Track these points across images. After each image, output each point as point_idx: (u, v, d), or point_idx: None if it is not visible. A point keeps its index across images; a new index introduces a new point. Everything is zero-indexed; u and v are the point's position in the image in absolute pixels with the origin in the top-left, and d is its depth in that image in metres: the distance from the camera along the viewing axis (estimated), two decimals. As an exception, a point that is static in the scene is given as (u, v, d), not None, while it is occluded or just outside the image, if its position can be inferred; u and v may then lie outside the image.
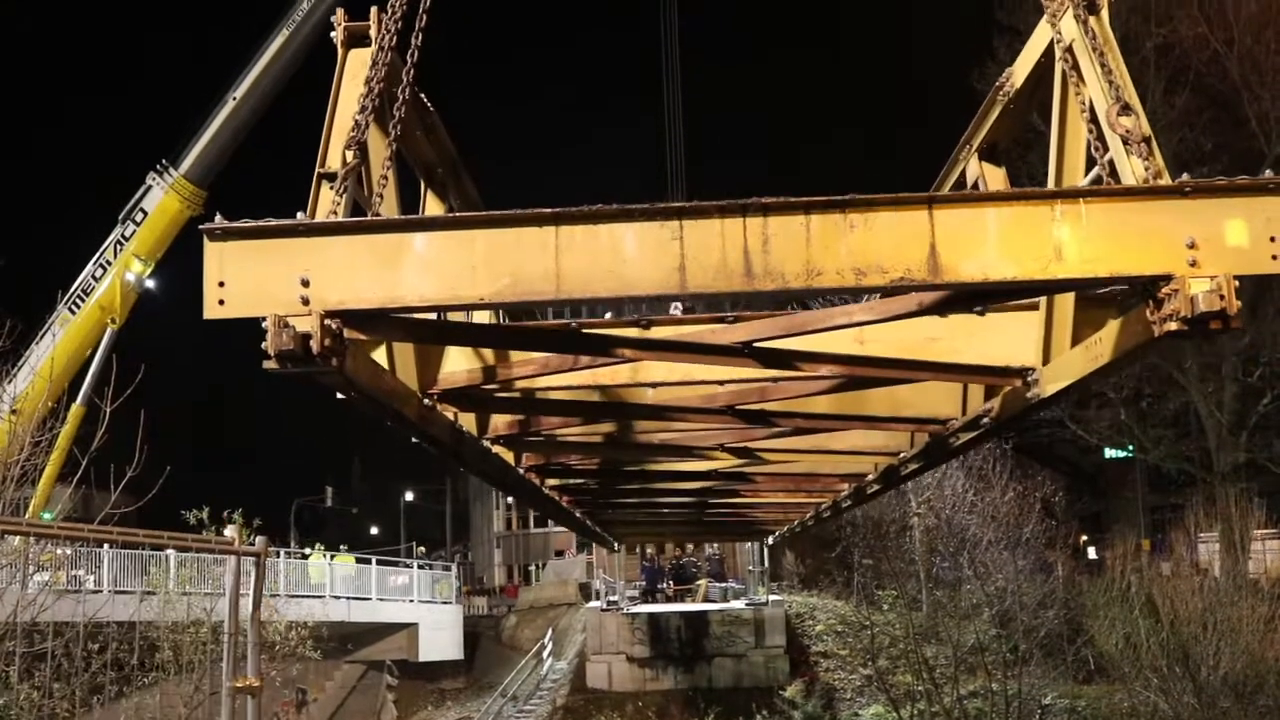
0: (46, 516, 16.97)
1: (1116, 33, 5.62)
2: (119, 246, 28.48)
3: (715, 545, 39.45)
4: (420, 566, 44.57)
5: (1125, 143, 5.10)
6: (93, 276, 28.41)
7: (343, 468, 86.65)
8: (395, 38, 5.52)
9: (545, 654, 40.47)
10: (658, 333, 7.51)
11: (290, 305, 4.63)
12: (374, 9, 5.73)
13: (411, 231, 4.78)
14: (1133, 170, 5.02)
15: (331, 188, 5.18)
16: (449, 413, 7.63)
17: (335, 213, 5.08)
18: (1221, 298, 4.49)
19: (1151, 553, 35.44)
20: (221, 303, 4.68)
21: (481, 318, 7.62)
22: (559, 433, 9.52)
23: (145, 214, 28.37)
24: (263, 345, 4.60)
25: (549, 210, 4.70)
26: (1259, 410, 33.97)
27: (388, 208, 5.60)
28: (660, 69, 34.91)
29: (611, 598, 36.03)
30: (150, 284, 29.31)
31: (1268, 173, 4.77)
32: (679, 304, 8.73)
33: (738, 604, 36.00)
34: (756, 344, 6.58)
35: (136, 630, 14.37)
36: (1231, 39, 32.22)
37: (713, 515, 18.19)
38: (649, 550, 39.67)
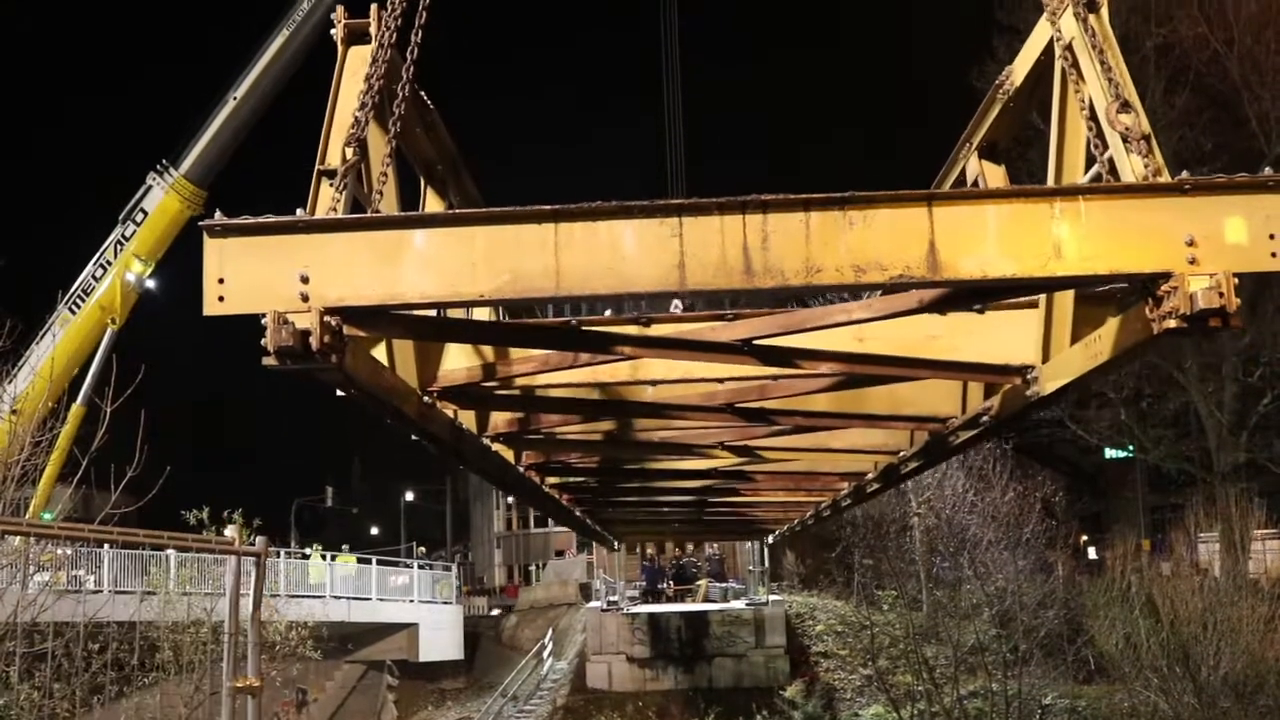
0: (47, 516, 16.97)
1: (1116, 32, 5.63)
2: (119, 246, 28.48)
3: (715, 545, 39.45)
4: (420, 566, 44.57)
5: (1125, 140, 5.10)
6: (93, 276, 28.42)
7: (343, 468, 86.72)
8: (395, 35, 5.52)
9: (545, 654, 40.47)
10: (657, 330, 7.52)
11: (290, 302, 4.63)
12: (374, 6, 5.73)
13: (411, 228, 4.79)
14: (1132, 168, 5.02)
15: (331, 185, 5.18)
16: (449, 410, 7.63)
17: (335, 210, 5.08)
18: (1221, 295, 4.49)
19: (1152, 553, 35.44)
20: (221, 299, 4.68)
21: (481, 315, 7.63)
22: (559, 430, 9.53)
23: (145, 214, 28.38)
24: (262, 342, 4.60)
25: (549, 207, 4.71)
26: (1259, 410, 33.98)
27: (387, 205, 5.60)
28: (660, 69, 34.96)
29: (612, 598, 36.02)
30: (150, 284, 29.33)
31: (1267, 170, 4.78)
32: (679, 302, 8.74)
33: (738, 604, 36.00)
34: (756, 341, 6.59)
35: (137, 630, 14.37)
36: (1231, 39, 32.24)
37: (713, 514, 18.19)
38: (649, 550, 39.67)
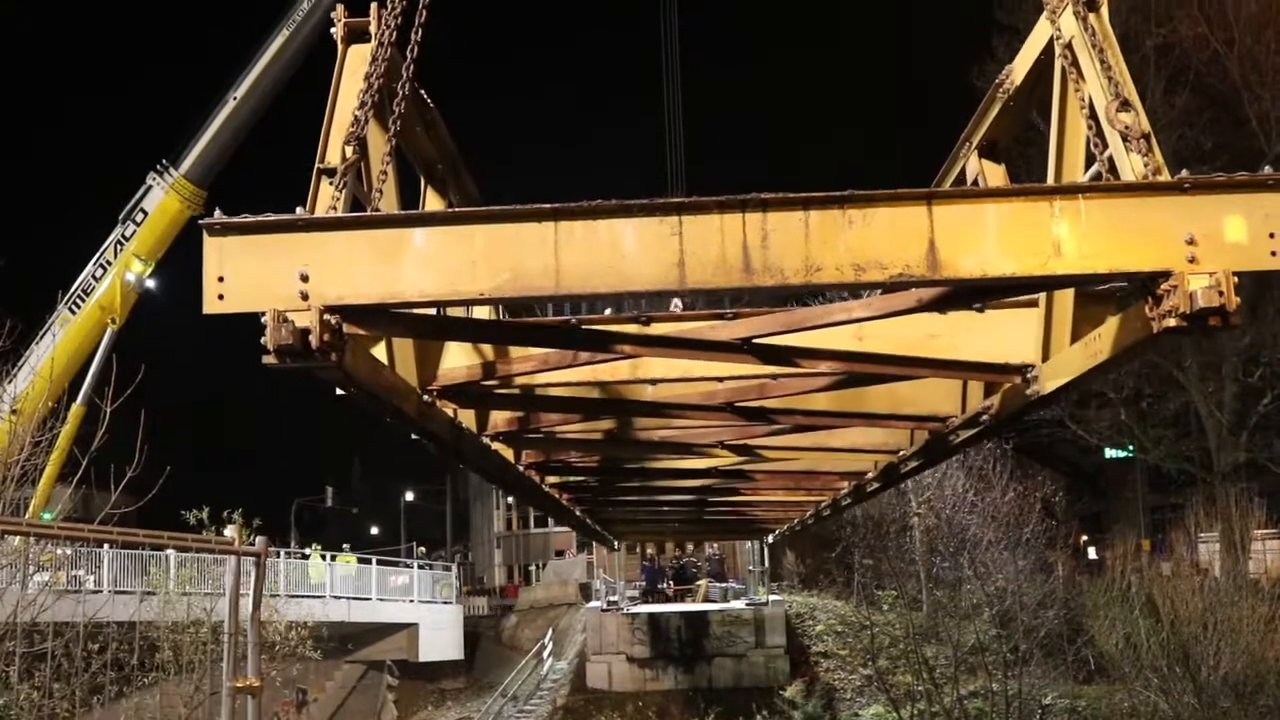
0: (46, 516, 16.96)
1: (1116, 32, 5.62)
2: (119, 246, 28.48)
3: (715, 545, 39.45)
4: (420, 566, 44.57)
5: (1124, 139, 5.10)
6: (93, 276, 28.41)
7: (343, 468, 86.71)
8: (395, 34, 5.52)
9: (545, 654, 40.47)
10: (657, 329, 7.52)
11: (289, 300, 4.64)
12: (374, 5, 5.73)
13: (411, 227, 4.79)
14: (1132, 167, 5.02)
15: (331, 183, 5.18)
16: (448, 409, 7.63)
17: (335, 208, 5.08)
18: (1220, 294, 4.50)
19: (1152, 553, 35.44)
20: (221, 298, 4.69)
21: (481, 314, 7.63)
22: (559, 429, 9.53)
23: (145, 214, 28.38)
24: (262, 340, 4.61)
25: (548, 205, 4.71)
26: (1259, 410, 33.98)
27: (387, 203, 5.60)
28: (660, 69, 34.95)
29: (611, 598, 36.01)
30: (150, 284, 29.33)
31: (1267, 169, 4.77)
32: (679, 301, 8.75)
33: (738, 604, 36.00)
34: (756, 340, 6.59)
35: (136, 630, 14.37)
36: (1231, 39, 32.25)
37: (712, 513, 18.19)
38: (649, 550, 39.66)
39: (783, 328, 6.58)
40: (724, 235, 4.64)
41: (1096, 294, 6.30)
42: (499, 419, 9.05)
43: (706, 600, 37.20)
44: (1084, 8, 5.50)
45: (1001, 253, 4.68)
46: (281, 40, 27.01)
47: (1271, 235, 4.61)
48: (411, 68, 5.65)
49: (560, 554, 55.20)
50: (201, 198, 28.02)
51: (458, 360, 7.49)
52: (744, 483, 13.53)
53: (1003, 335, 7.20)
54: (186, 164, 28.07)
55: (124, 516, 12.15)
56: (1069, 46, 5.61)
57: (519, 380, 7.78)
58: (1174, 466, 39.41)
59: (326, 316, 4.64)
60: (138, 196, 28.46)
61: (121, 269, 28.33)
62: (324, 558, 36.75)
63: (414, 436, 7.69)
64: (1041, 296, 6.67)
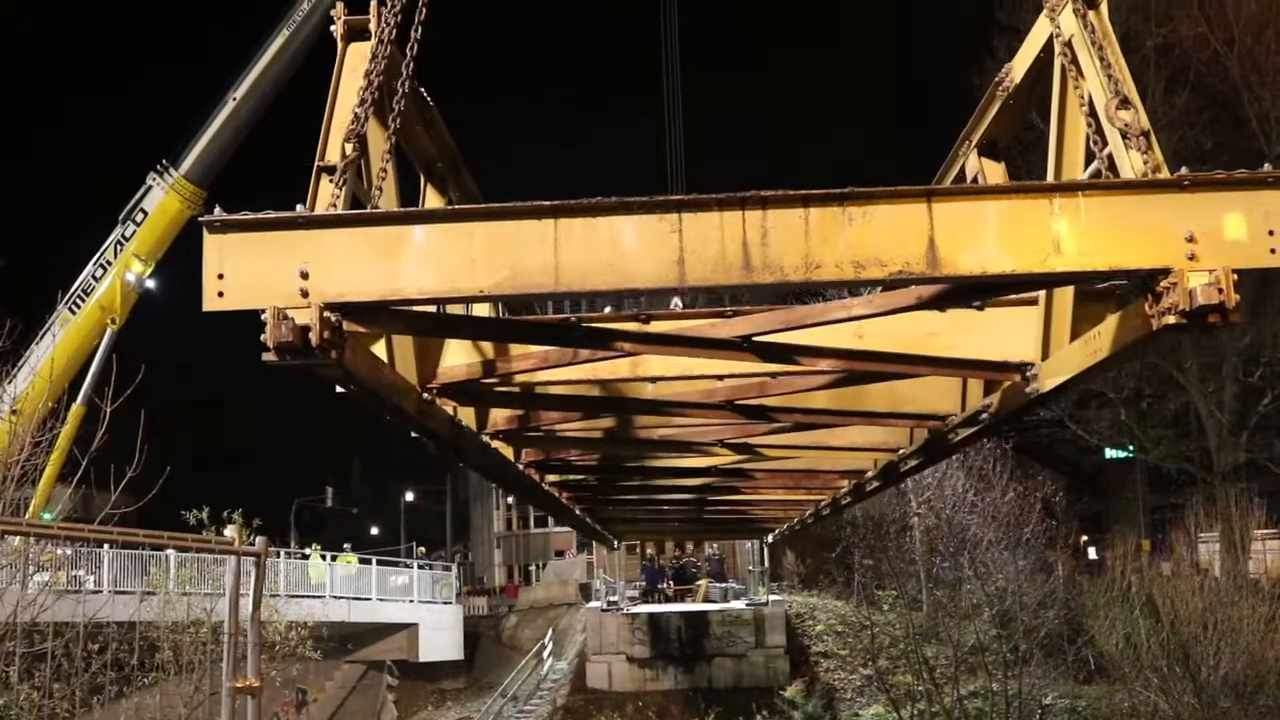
0: (46, 517, 16.96)
1: (1116, 31, 5.62)
2: (119, 246, 28.48)
3: (715, 545, 39.45)
4: (420, 567, 44.55)
5: (1124, 137, 5.10)
6: (93, 276, 28.41)
7: (343, 468, 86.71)
8: (395, 31, 5.52)
9: (545, 654, 40.46)
10: (657, 327, 7.52)
11: (289, 297, 4.64)
12: (374, 3, 5.74)
13: (411, 224, 4.80)
14: (1131, 164, 5.02)
15: (331, 181, 5.18)
16: (448, 407, 7.63)
17: (335, 205, 5.09)
18: (1220, 291, 4.50)
19: (1152, 553, 35.42)
20: (221, 295, 4.69)
21: (481, 312, 7.63)
22: (558, 428, 9.52)
23: (145, 214, 28.37)
24: (262, 338, 4.61)
25: (548, 203, 4.71)
26: (1259, 410, 33.97)
27: (387, 201, 5.60)
28: (660, 69, 34.92)
29: (611, 598, 36.00)
30: (150, 284, 29.32)
31: (1266, 166, 4.78)
32: (678, 300, 8.75)
33: (738, 604, 35.99)
34: (756, 338, 6.59)
35: (136, 630, 14.37)
36: (1232, 39, 32.24)
37: (712, 512, 18.19)
38: (649, 550, 39.66)
39: (782, 325, 6.58)
40: (724, 233, 4.65)
41: (1096, 292, 6.31)
42: (499, 417, 9.05)
43: (706, 600, 37.19)
44: (1084, 5, 5.50)
45: (1001, 250, 4.68)
46: (281, 40, 27.01)
47: (1271, 233, 4.61)
48: (411, 65, 5.66)
49: (560, 554, 55.21)
50: (201, 198, 28.01)
51: (457, 358, 7.49)
52: (744, 481, 13.53)
53: (1002, 333, 7.20)
54: (186, 164, 28.07)
55: (124, 516, 12.15)
56: (1069, 44, 5.61)
57: (519, 378, 7.79)
58: (1174, 466, 39.39)
59: (326, 314, 4.65)
60: (138, 196, 28.46)
61: (121, 269, 28.32)
62: (324, 558, 36.75)
63: (414, 435, 7.69)
64: (1041, 295, 6.67)
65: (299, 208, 4.89)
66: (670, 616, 35.43)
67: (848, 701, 32.77)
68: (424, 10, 5.60)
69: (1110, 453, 45.14)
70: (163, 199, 28.21)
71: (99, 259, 28.45)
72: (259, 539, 5.86)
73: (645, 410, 9.22)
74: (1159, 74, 31.76)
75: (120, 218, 28.53)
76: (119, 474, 12.51)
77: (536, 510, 55.62)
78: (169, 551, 22.03)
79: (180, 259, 28.94)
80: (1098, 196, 4.71)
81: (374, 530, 75.40)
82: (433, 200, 7.13)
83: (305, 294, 4.64)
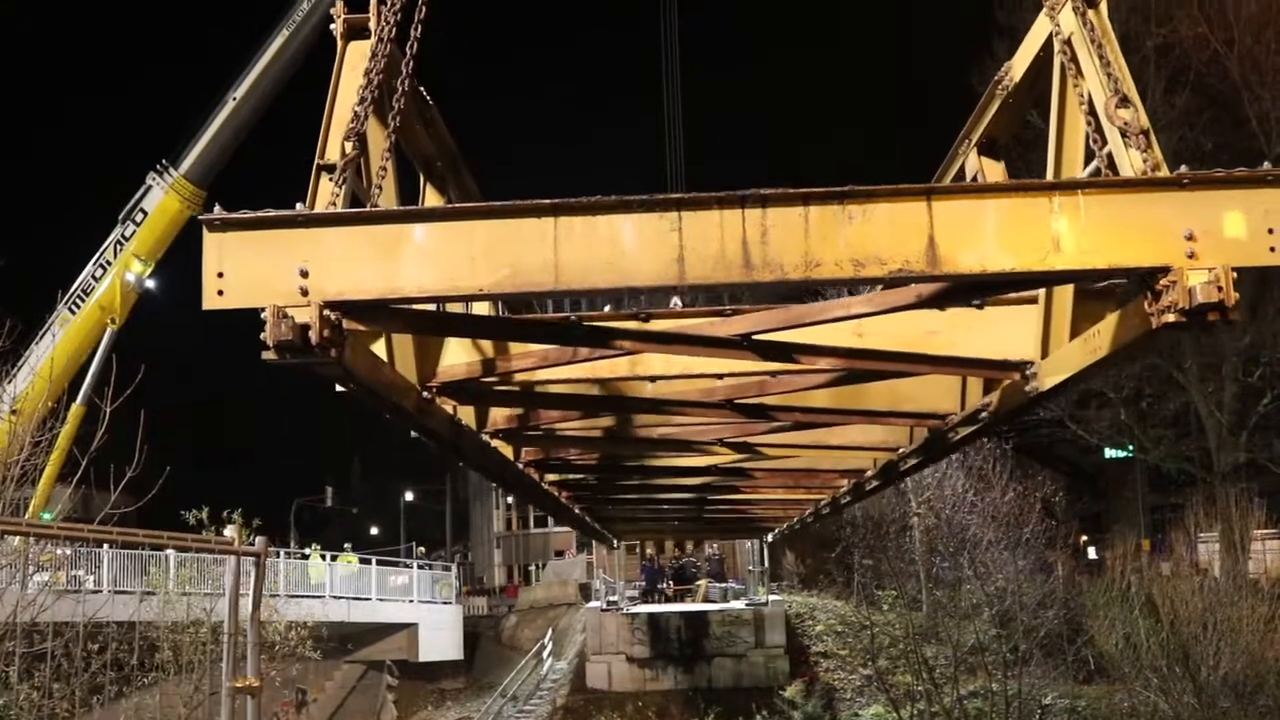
0: (46, 517, 16.97)
1: (1116, 31, 5.62)
2: (119, 246, 28.48)
3: (715, 545, 39.46)
4: (420, 566, 44.56)
5: (1123, 135, 5.09)
6: (93, 276, 28.41)
7: (343, 468, 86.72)
8: (395, 29, 5.52)
9: (545, 654, 40.47)
10: (656, 325, 7.52)
11: (289, 296, 4.64)
12: (373, 1, 5.74)
13: (411, 222, 4.80)
14: (1131, 163, 5.02)
15: (330, 179, 5.18)
16: (448, 406, 7.63)
17: (334, 204, 5.08)
18: (1219, 289, 4.49)
19: (1151, 553, 35.45)
20: (220, 293, 4.69)
21: (480, 310, 7.62)
22: (558, 427, 9.52)
23: (145, 214, 28.38)
24: (262, 336, 4.61)
25: (548, 201, 4.71)
26: (1259, 410, 33.98)
27: (386, 200, 5.60)
28: (660, 69, 34.91)
29: (611, 598, 36.01)
30: (150, 284, 29.33)
31: (1265, 165, 4.78)
32: (678, 299, 8.76)
33: (738, 604, 35.99)
34: (755, 336, 6.59)
35: (136, 630, 14.38)
36: (1232, 39, 32.25)
37: (712, 512, 18.19)
38: (649, 550, 39.66)
39: (782, 323, 6.57)
40: (724, 231, 4.64)
41: (1095, 291, 6.31)
42: (498, 416, 9.05)
43: (706, 600, 37.20)
44: (1083, 4, 5.50)
45: (1001, 248, 4.68)
46: (281, 40, 27.02)
47: (1270, 231, 4.61)
48: (411, 64, 5.66)
49: (560, 554, 55.23)
50: (201, 198, 28.00)
51: (457, 357, 7.49)
52: (743, 481, 13.53)
53: (1002, 332, 7.20)
54: (186, 164, 28.07)
55: (124, 516, 12.15)
56: (1068, 43, 5.61)
57: (518, 377, 7.79)
58: (1174, 466, 39.41)
59: (326, 312, 4.64)
60: (137, 196, 28.46)
61: (121, 269, 28.33)
62: (324, 558, 36.75)
63: (414, 433, 7.69)
64: (1041, 293, 6.66)
65: (299, 206, 4.89)
66: (670, 616, 35.44)
67: (847, 701, 32.78)
68: (424, 9, 5.60)
69: (1110, 453, 45.17)
70: (162, 199, 28.21)
71: (99, 259, 28.46)
72: (259, 539, 5.86)
73: (645, 409, 9.22)
74: (1159, 74, 31.77)
75: (120, 218, 28.54)
76: (119, 474, 12.52)
77: (536, 510, 55.64)
78: (169, 551, 22.02)
79: (180, 259, 29.00)
80: (1097, 195, 4.71)
81: (374, 530, 75.43)
82: (432, 199, 7.13)
83: (305, 292, 4.64)
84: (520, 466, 10.77)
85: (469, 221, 4.77)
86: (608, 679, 35.17)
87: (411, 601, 41.10)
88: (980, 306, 7.35)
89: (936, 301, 6.26)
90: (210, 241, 4.70)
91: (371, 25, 5.66)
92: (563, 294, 4.97)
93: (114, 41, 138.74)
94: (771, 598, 36.05)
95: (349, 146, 5.22)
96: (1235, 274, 4.54)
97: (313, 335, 4.59)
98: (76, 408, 23.53)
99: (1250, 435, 34.44)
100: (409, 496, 70.41)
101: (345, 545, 41.46)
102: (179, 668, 15.32)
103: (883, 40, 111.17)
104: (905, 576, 33.62)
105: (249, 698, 5.48)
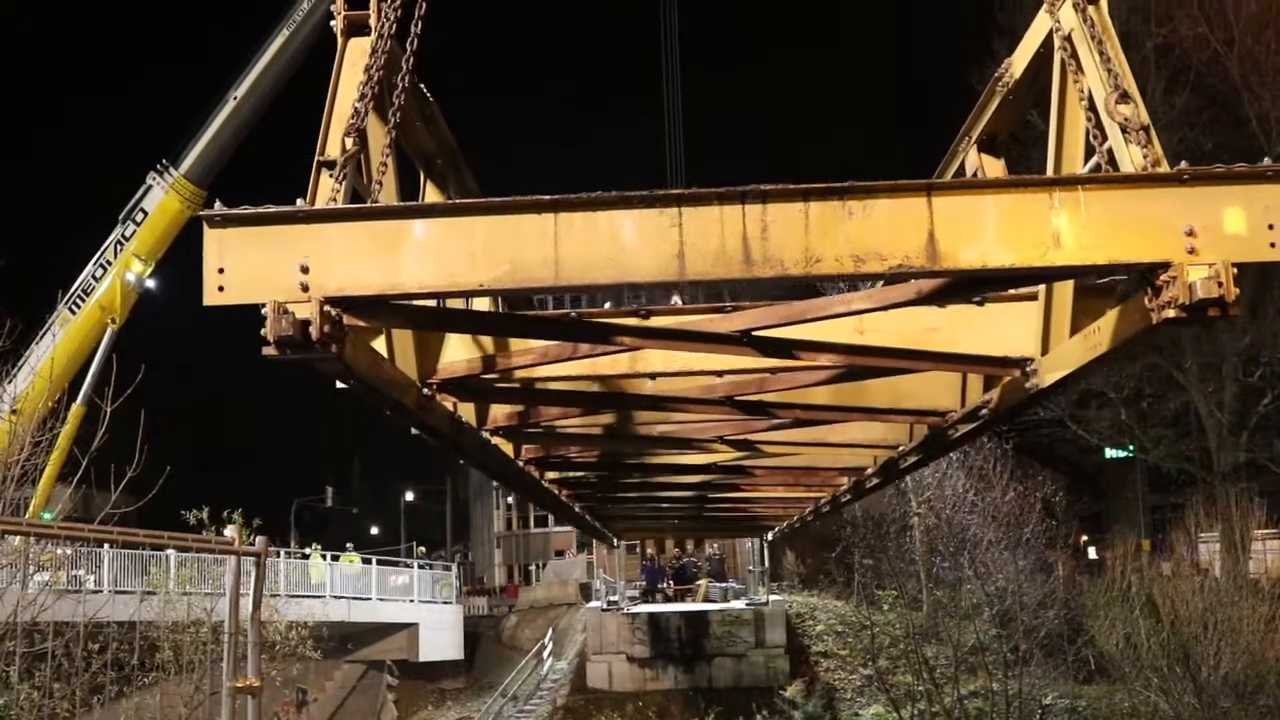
0: (47, 516, 16.96)
1: (1116, 30, 5.62)
2: (119, 246, 28.45)
3: (715, 545, 39.45)
4: (420, 566, 44.54)
5: (1124, 131, 5.10)
6: (93, 276, 28.38)
7: (343, 468, 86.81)
8: (395, 26, 5.53)
9: (545, 654, 40.45)
10: (657, 322, 7.52)
11: (290, 292, 4.65)
12: (374, -2, 5.74)
13: (411, 218, 4.81)
14: (1131, 158, 5.03)
15: (331, 175, 5.19)
16: (448, 403, 7.63)
17: (335, 200, 5.09)
18: (1220, 285, 4.50)
19: (1152, 553, 35.43)
20: (221, 289, 4.70)
21: (481, 306, 7.62)
22: (558, 424, 9.53)
23: (145, 214, 28.34)
24: (262, 332, 4.61)
25: (548, 197, 4.72)
26: (1259, 410, 33.95)
27: (387, 196, 5.60)
28: (660, 69, 34.93)
29: (612, 597, 35.98)
30: (150, 284, 29.30)
31: (1266, 160, 4.78)
32: (678, 297, 8.77)
33: (738, 604, 35.96)
34: (755, 332, 6.59)
35: (137, 630, 14.34)
36: (1232, 39, 32.22)
37: (712, 510, 18.19)
38: (649, 550, 39.65)
39: (782, 320, 6.57)
40: (724, 227, 4.65)
41: (1096, 287, 6.31)
42: (499, 413, 9.05)
43: (706, 600, 37.16)
44: (1084, 0, 5.51)
45: (1001, 244, 4.69)
46: (282, 40, 27.00)
47: (1271, 227, 4.62)
48: (411, 60, 5.66)
49: (560, 554, 55.24)
50: (201, 197, 27.95)
51: (457, 354, 7.49)
52: (743, 478, 13.54)
53: (1002, 329, 7.21)
54: (186, 164, 28.04)
55: (124, 516, 12.14)
56: (1068, 39, 5.61)
57: (519, 374, 7.79)
58: (1174, 466, 39.38)
59: (327, 308, 4.65)
60: (138, 196, 28.43)
61: (121, 269, 28.30)
62: (324, 557, 36.74)
63: (414, 431, 7.70)
64: (1041, 290, 6.67)
65: (299, 202, 4.90)
66: (670, 616, 35.41)
67: (848, 701, 32.75)
68: (423, 5, 5.61)
69: (1110, 452, 45.14)
70: (163, 199, 28.18)
71: (99, 259, 28.43)
72: (259, 539, 5.85)
73: (645, 406, 9.23)
74: (1159, 74, 31.74)
75: (120, 217, 28.51)
76: (119, 474, 12.49)
77: (537, 510, 55.68)
78: (169, 551, 22.02)
79: (180, 259, 28.97)
80: (1097, 190, 4.71)
81: (374, 530, 75.44)
82: (433, 197, 7.13)
83: (305, 288, 4.65)
84: (520, 464, 10.78)
85: (469, 217, 4.78)
86: (608, 679, 35.15)
87: (412, 601, 41.08)
88: (980, 303, 7.35)
89: (937, 298, 6.26)
90: (211, 237, 4.71)
91: (372, 22, 5.66)
92: (563, 290, 4.97)
93: (114, 41, 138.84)
94: (772, 597, 36.03)
95: (349, 142, 5.23)
96: (1235, 270, 4.54)
97: (313, 331, 4.60)
98: (77, 407, 23.51)
99: (1250, 435, 34.41)
100: (409, 496, 70.42)
101: (348, 545, 41.44)
102: (179, 668, 15.29)
103: (883, 40, 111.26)
104: (905, 576, 33.61)
105: (249, 697, 5.47)
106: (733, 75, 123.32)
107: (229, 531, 5.76)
